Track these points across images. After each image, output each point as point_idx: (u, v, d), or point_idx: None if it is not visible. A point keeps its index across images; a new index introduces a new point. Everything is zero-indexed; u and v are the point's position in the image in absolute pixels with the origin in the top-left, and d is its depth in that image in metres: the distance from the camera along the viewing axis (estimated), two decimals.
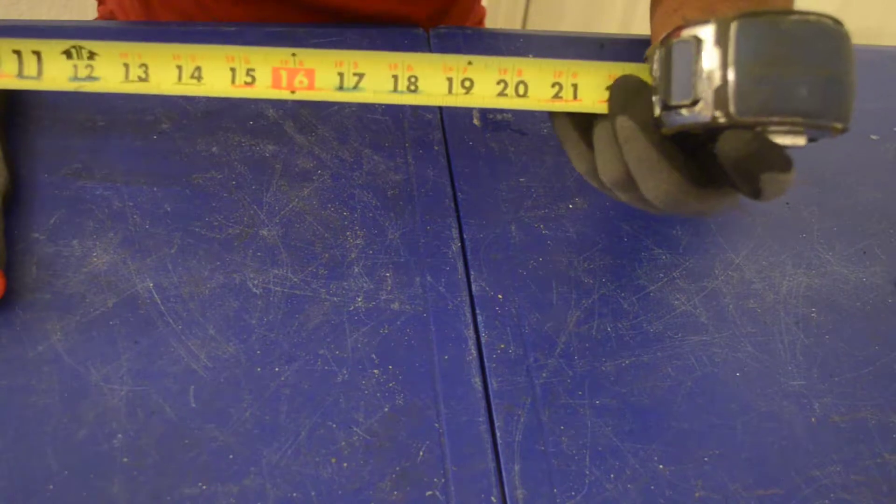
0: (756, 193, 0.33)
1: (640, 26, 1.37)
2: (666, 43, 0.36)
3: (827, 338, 0.46)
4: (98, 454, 0.37)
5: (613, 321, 0.45)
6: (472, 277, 0.46)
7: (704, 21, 0.34)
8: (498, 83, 0.40)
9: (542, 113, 0.56)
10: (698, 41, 0.34)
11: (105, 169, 0.48)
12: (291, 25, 0.59)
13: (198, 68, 0.41)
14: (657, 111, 0.36)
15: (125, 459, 0.37)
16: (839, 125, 0.33)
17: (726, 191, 0.36)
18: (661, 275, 0.48)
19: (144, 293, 0.43)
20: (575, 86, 0.39)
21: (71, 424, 0.38)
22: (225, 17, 0.63)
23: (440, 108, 0.55)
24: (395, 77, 0.40)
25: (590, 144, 0.39)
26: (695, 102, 0.34)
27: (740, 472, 0.40)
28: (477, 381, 0.42)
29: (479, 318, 0.45)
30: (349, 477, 0.38)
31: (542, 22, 1.44)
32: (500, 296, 0.46)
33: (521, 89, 0.39)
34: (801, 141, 0.33)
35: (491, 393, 0.42)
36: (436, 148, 0.53)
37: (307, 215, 0.48)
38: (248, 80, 0.40)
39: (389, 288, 0.45)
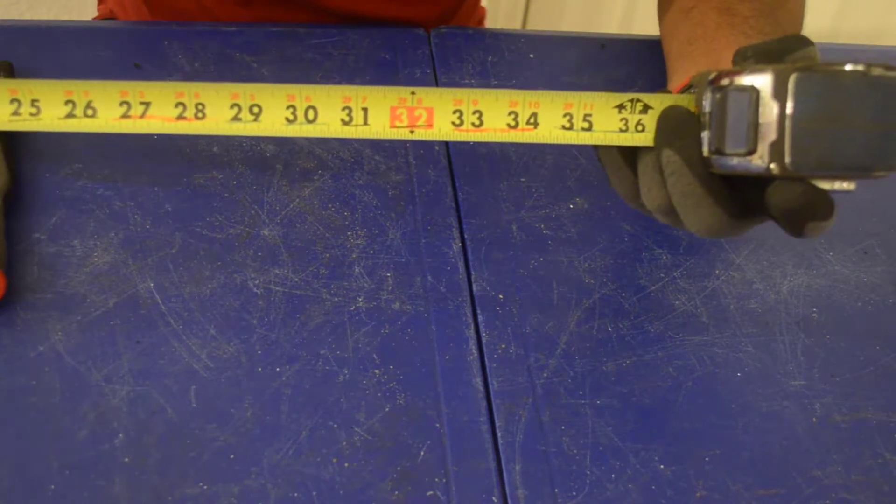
0: (797, 235, 0.34)
1: (640, 26, 1.37)
2: (721, 87, 0.35)
3: (828, 338, 0.46)
4: (99, 454, 0.37)
5: (614, 321, 0.45)
6: (472, 277, 0.46)
7: (761, 69, 0.34)
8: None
9: None
10: (755, 91, 0.34)
11: (106, 169, 0.48)
12: (292, 25, 0.59)
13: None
14: (706, 150, 0.36)
15: (126, 459, 0.37)
16: (887, 172, 0.33)
17: (763, 219, 0.36)
18: (662, 275, 0.48)
19: (145, 293, 0.43)
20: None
21: (72, 424, 0.38)
22: (227, 19, 0.63)
23: None
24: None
25: (633, 169, 0.39)
26: (749, 152, 0.34)
27: (741, 471, 0.40)
28: (478, 380, 0.42)
29: (480, 318, 0.45)
30: (350, 477, 0.38)
31: (542, 22, 1.44)
32: (500, 296, 0.46)
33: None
34: (849, 187, 0.34)
35: (492, 393, 0.42)
36: (436, 148, 0.53)
37: (308, 215, 0.48)
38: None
39: (390, 288, 0.45)
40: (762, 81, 0.34)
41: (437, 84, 0.57)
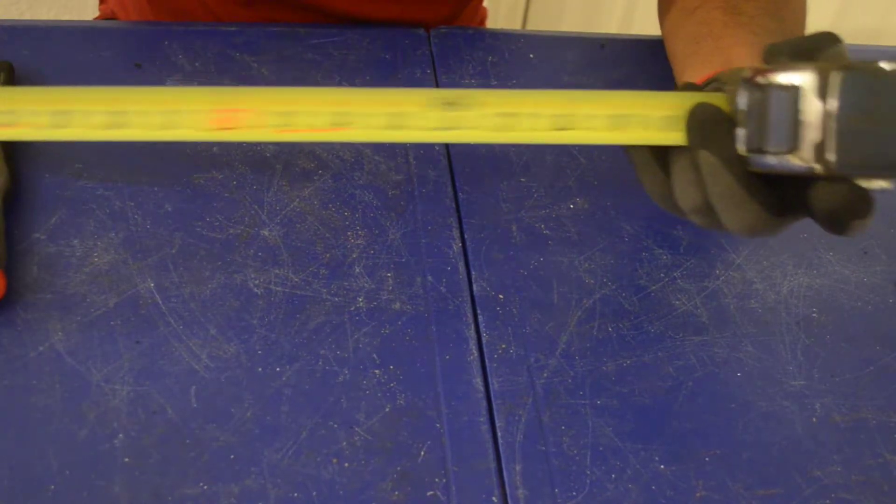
0: (840, 233, 0.34)
1: (641, 26, 1.37)
2: (759, 86, 0.35)
3: (828, 338, 0.46)
4: (99, 454, 0.37)
5: (614, 321, 0.45)
6: (473, 277, 0.46)
7: (801, 66, 0.33)
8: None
9: None
10: (797, 89, 0.33)
11: (106, 169, 0.48)
12: (292, 25, 0.59)
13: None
14: (742, 148, 0.35)
15: (126, 459, 0.37)
16: None
17: (801, 216, 0.36)
18: (662, 275, 0.48)
19: (145, 293, 0.43)
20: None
21: (72, 424, 0.38)
22: (228, 19, 0.63)
23: None
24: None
25: (664, 170, 0.38)
26: (790, 151, 0.34)
27: (741, 471, 0.40)
28: (478, 381, 0.42)
29: (480, 318, 0.45)
30: (350, 477, 0.38)
31: (542, 22, 1.44)
32: (501, 296, 0.46)
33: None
34: (887, 185, 0.33)
35: (492, 393, 0.42)
36: (436, 148, 0.53)
37: (308, 215, 0.48)
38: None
39: (390, 288, 0.45)
40: (803, 79, 0.33)
41: (437, 84, 0.57)
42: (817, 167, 0.33)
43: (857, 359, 0.46)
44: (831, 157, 0.32)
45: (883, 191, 0.33)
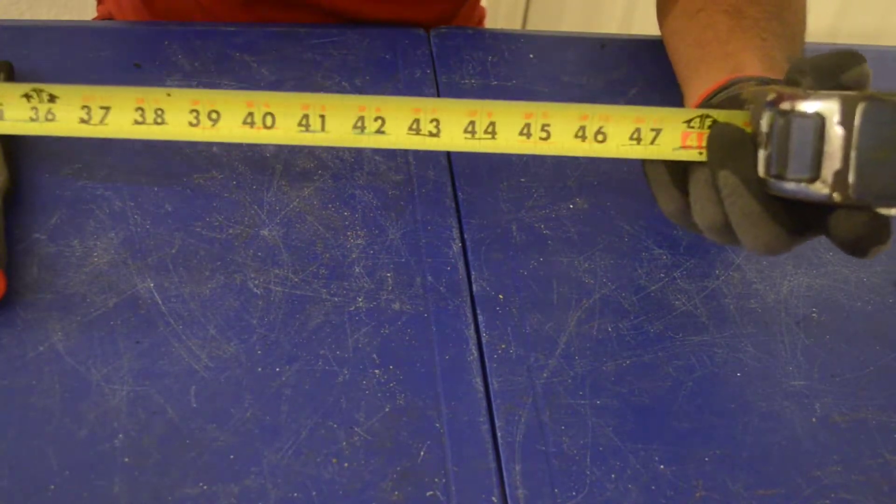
0: (859, 257, 0.34)
1: (640, 26, 1.37)
2: (783, 112, 0.35)
3: (828, 338, 0.46)
4: (99, 454, 0.37)
5: (614, 321, 0.45)
6: (472, 277, 0.46)
7: (826, 95, 0.33)
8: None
9: None
10: (821, 118, 0.33)
11: (106, 169, 0.48)
12: (292, 25, 0.59)
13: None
14: (762, 170, 0.35)
15: (126, 459, 0.37)
16: None
17: (817, 235, 0.36)
18: (662, 275, 0.48)
19: (145, 293, 0.43)
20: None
21: (72, 424, 0.38)
22: (226, 20, 0.63)
23: None
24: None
25: (680, 188, 0.38)
26: (812, 180, 0.34)
27: (741, 471, 0.40)
28: (478, 381, 0.42)
29: (480, 318, 0.45)
30: (350, 477, 0.38)
31: (542, 22, 1.44)
32: (500, 296, 0.46)
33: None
34: None
35: (492, 393, 0.42)
36: None
37: (308, 215, 0.48)
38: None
39: (390, 288, 0.45)
40: (828, 107, 0.33)
41: (436, 83, 0.57)
42: (837, 196, 0.33)
43: (857, 359, 0.46)
44: (851, 187, 0.33)
45: None
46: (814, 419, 0.43)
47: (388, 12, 0.62)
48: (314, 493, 0.37)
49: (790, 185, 0.34)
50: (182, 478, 0.37)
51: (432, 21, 0.66)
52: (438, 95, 0.56)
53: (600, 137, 0.39)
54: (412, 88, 0.56)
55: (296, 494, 0.37)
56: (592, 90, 0.58)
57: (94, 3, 0.79)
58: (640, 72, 0.60)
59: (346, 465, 0.38)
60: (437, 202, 0.50)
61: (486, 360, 0.43)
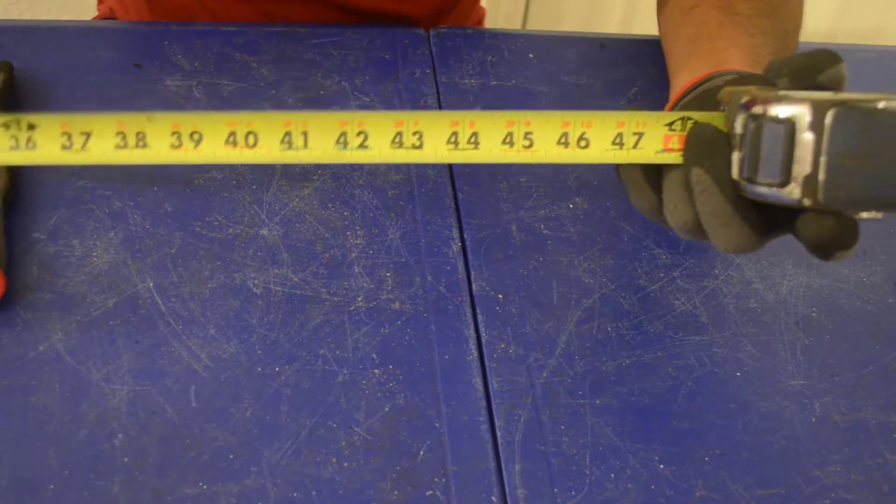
0: (824, 260, 0.34)
1: (640, 26, 1.37)
2: (755, 116, 0.35)
3: (827, 337, 0.46)
4: (99, 454, 0.37)
5: (614, 321, 0.45)
6: (472, 277, 0.46)
7: (798, 99, 0.33)
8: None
9: None
10: (791, 123, 0.33)
11: (106, 169, 0.48)
12: (292, 25, 0.59)
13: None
14: (735, 172, 0.36)
15: (126, 459, 0.37)
16: None
17: (784, 233, 0.36)
18: (662, 275, 0.48)
19: (145, 293, 0.43)
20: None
21: (72, 424, 0.38)
22: (226, 15, 0.63)
23: (440, 108, 0.55)
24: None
25: (654, 187, 0.39)
26: (783, 184, 0.34)
27: (741, 471, 0.40)
28: (477, 380, 0.42)
29: (480, 318, 0.45)
30: (350, 477, 0.38)
31: (542, 22, 1.44)
32: (500, 296, 0.46)
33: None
34: (877, 216, 0.34)
35: (491, 393, 0.42)
36: None
37: (307, 215, 0.48)
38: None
39: (390, 288, 0.45)
40: (798, 112, 0.33)
41: (436, 83, 0.57)
42: (806, 201, 0.33)
43: (857, 359, 0.46)
44: (820, 192, 0.33)
45: (873, 219, 0.34)
46: (813, 419, 0.43)
47: (382, 4, 0.62)
48: (314, 493, 0.37)
49: (762, 189, 0.35)
50: (182, 478, 0.37)
51: (427, 14, 0.65)
52: (438, 95, 0.56)
53: (583, 143, 0.39)
54: (412, 88, 0.56)
55: (295, 494, 0.37)
56: (592, 90, 0.58)
57: (95, 2, 0.79)
58: (640, 72, 0.60)
59: (345, 464, 0.38)
60: (437, 202, 0.50)
61: (486, 359, 0.43)
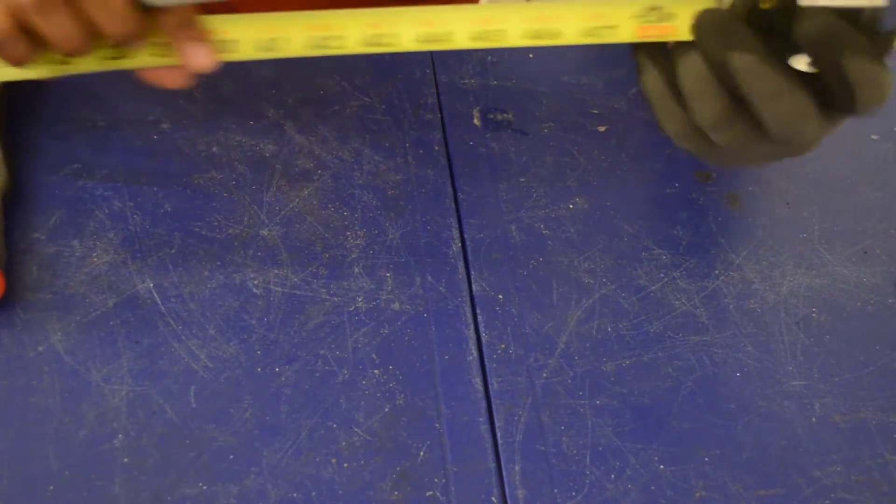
0: (850, 95, 0.33)
1: None
2: None
3: (827, 338, 0.46)
4: (99, 454, 0.37)
5: (614, 321, 0.45)
6: (472, 277, 0.46)
7: None
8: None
9: (542, 113, 0.56)
10: None
11: (105, 169, 0.48)
12: None
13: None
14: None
15: (126, 459, 0.37)
16: None
17: (838, 118, 0.35)
18: (662, 275, 0.48)
19: (145, 293, 0.43)
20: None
21: (71, 424, 0.38)
22: (239, 5, 0.63)
23: (440, 108, 0.55)
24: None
25: (679, 102, 0.37)
26: None
27: (741, 472, 0.40)
28: (477, 381, 0.42)
29: (480, 318, 0.45)
30: (350, 477, 0.38)
31: None
32: (500, 296, 0.46)
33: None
34: (878, 1, 0.32)
35: (491, 393, 0.42)
36: (436, 148, 0.53)
37: (307, 215, 0.48)
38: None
39: (390, 288, 0.45)
40: None
41: (436, 83, 0.57)
42: None
43: (857, 359, 0.46)
44: None
45: (875, 7, 0.32)
46: (813, 419, 0.43)
47: (387, 3, 0.62)
48: (314, 493, 0.37)
49: None
50: (182, 478, 0.37)
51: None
52: (438, 95, 0.56)
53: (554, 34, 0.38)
54: (412, 88, 0.56)
55: (295, 494, 0.37)
56: (592, 90, 0.58)
57: None
58: None
59: (345, 465, 0.38)
60: (437, 202, 0.50)
61: (486, 360, 0.43)
